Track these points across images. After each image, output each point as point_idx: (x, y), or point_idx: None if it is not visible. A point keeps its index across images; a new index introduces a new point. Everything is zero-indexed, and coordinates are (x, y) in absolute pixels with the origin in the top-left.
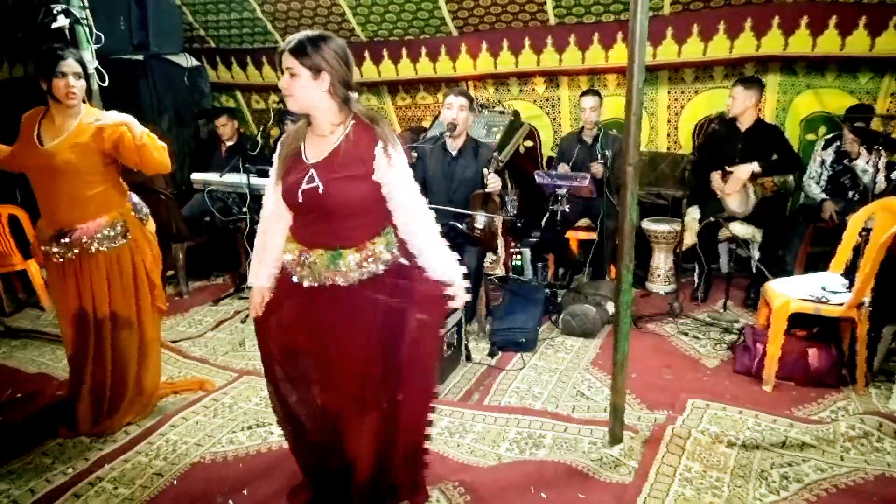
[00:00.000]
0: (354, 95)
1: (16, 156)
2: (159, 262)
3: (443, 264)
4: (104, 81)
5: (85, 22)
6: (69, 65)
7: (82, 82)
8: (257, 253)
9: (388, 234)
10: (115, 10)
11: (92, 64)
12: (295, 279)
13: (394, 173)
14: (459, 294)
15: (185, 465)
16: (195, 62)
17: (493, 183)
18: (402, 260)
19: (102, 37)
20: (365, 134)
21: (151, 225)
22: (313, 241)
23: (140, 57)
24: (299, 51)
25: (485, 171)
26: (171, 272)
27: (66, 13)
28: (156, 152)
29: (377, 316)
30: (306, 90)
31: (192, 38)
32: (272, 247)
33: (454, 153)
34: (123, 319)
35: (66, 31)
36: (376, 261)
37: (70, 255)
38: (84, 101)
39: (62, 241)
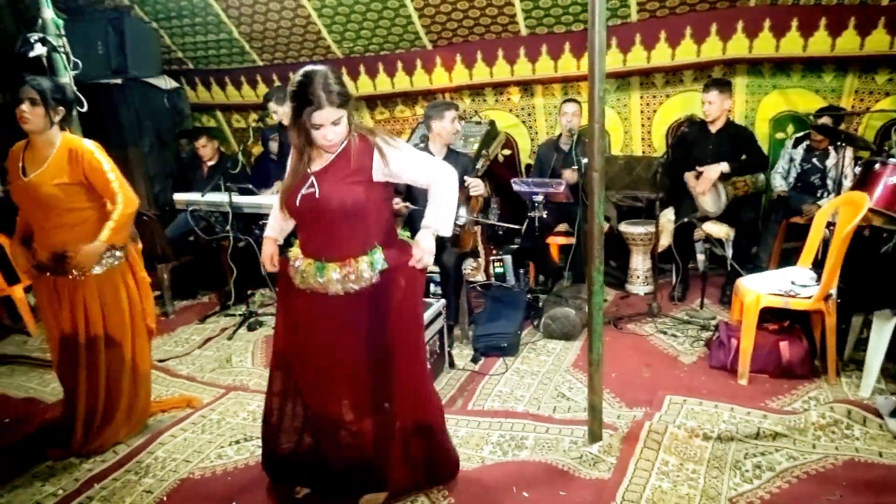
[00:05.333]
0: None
1: (11, 190)
2: (147, 282)
3: (443, 219)
4: (83, 107)
5: (62, 49)
6: (23, 91)
7: (38, 109)
8: (272, 215)
9: (373, 254)
10: (93, 35)
11: (70, 90)
12: (294, 281)
13: (396, 164)
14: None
15: (174, 482)
16: (174, 84)
17: (476, 186)
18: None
19: (80, 63)
20: (363, 143)
21: (139, 246)
22: (306, 248)
23: (119, 81)
24: (338, 95)
25: (466, 177)
26: (157, 293)
27: (43, 41)
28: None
29: (362, 323)
30: (346, 127)
31: (171, 60)
32: (275, 216)
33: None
34: (116, 339)
35: (44, 60)
36: (358, 279)
37: (68, 276)
38: (62, 129)
39: (60, 262)
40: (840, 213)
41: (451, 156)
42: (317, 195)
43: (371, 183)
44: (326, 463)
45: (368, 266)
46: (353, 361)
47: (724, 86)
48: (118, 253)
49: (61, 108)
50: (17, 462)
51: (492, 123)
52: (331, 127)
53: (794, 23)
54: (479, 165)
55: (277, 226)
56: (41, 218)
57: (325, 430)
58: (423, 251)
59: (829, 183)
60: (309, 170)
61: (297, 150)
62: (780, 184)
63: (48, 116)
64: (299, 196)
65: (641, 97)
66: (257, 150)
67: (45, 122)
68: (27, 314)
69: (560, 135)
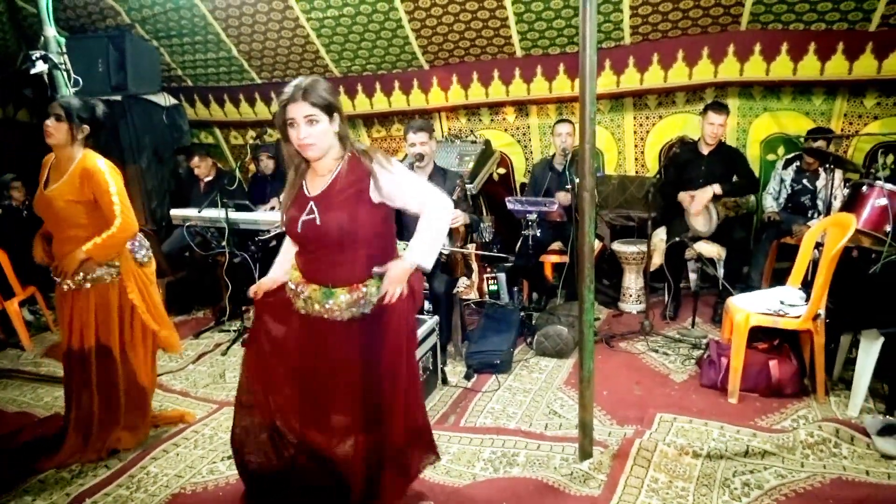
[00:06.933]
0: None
1: (34, 199)
2: (155, 306)
3: (427, 252)
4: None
5: (63, 67)
6: (51, 107)
7: (62, 124)
8: (279, 256)
9: (379, 279)
10: (94, 52)
11: (100, 110)
12: (294, 305)
13: (388, 188)
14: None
15: (166, 497)
16: (173, 101)
17: (455, 217)
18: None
19: (81, 80)
20: (359, 166)
21: (152, 266)
22: (310, 274)
23: (119, 97)
24: (316, 95)
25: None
26: None
27: (45, 59)
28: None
29: (360, 350)
30: (326, 135)
31: (170, 78)
32: (286, 252)
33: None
34: (106, 352)
35: (45, 76)
36: (367, 303)
37: (70, 284)
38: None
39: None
40: (828, 234)
41: (438, 173)
42: (317, 222)
43: (371, 204)
44: (312, 484)
45: (377, 290)
46: (352, 382)
47: (727, 108)
48: (112, 269)
49: (86, 126)
50: (7, 476)
51: (487, 143)
52: (304, 125)
53: (784, 47)
54: (457, 191)
55: (282, 268)
56: (55, 228)
57: (312, 451)
58: (391, 282)
59: (819, 204)
60: (308, 194)
61: (293, 167)
62: (770, 205)
63: (70, 133)
64: (300, 223)
65: (635, 118)
66: (254, 167)
67: (66, 138)
68: (21, 329)
69: (554, 154)
